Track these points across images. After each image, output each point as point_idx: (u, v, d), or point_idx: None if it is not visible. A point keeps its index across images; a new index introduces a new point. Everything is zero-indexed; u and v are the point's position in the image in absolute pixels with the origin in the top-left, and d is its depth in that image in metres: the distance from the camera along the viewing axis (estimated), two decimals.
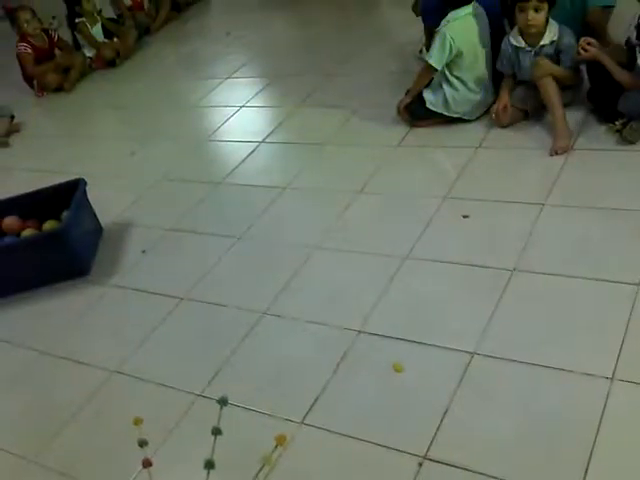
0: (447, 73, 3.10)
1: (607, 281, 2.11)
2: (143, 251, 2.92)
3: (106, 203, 3.21)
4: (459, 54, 3.03)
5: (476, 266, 2.31)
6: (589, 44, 2.71)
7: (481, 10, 3.08)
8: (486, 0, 3.13)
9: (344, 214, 2.79)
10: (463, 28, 3.03)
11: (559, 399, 1.78)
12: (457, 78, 3.09)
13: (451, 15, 3.03)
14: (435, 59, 3.05)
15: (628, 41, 2.72)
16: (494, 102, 3.08)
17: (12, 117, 4.50)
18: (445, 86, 3.13)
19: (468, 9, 3.03)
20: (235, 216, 3.00)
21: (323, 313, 2.29)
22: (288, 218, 2.91)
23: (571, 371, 1.83)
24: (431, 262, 2.39)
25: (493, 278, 2.23)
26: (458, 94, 3.11)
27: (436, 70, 3.09)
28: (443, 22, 3.05)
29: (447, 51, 3.01)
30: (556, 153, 2.76)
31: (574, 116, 2.93)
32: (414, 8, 3.76)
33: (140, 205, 3.28)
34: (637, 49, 2.63)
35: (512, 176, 2.77)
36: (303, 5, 5.41)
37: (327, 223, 2.75)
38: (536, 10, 2.79)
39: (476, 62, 3.09)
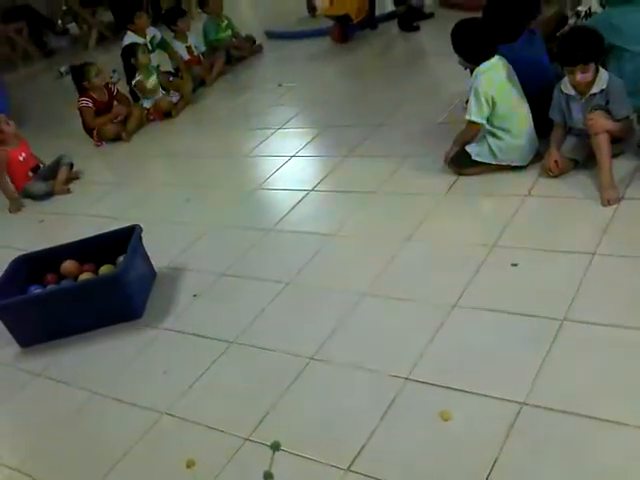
0: (487, 125, 3.14)
1: None
2: (194, 295, 2.98)
3: (161, 248, 3.30)
4: (495, 104, 3.07)
5: (525, 315, 2.29)
6: None
7: (504, 60, 3.13)
8: (533, 53, 3.18)
9: (392, 261, 2.81)
10: (492, 79, 3.08)
11: (613, 454, 1.73)
12: (498, 128, 3.12)
13: (478, 70, 3.10)
14: (475, 115, 3.11)
15: None
16: (541, 148, 3.09)
17: (71, 165, 4.71)
18: (488, 137, 3.17)
19: (493, 61, 3.09)
20: (285, 262, 3.04)
21: (371, 360, 2.29)
22: (337, 264, 2.94)
23: (626, 424, 1.79)
24: (480, 310, 2.38)
25: (542, 327, 2.21)
26: (503, 143, 3.14)
27: (479, 125, 3.14)
28: (472, 79, 3.12)
29: (484, 104, 3.07)
30: (608, 203, 2.74)
31: (626, 165, 2.92)
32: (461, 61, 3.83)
33: (193, 250, 3.37)
34: None
35: (561, 225, 2.76)
36: (352, 57, 5.55)
37: (375, 270, 2.77)
38: (582, 71, 2.82)
39: (513, 109, 3.11)
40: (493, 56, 3.11)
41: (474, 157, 3.20)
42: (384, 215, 3.20)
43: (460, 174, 3.28)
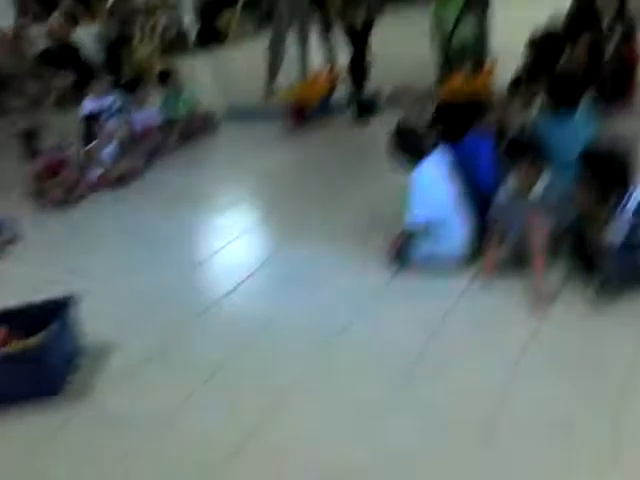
0: (426, 223, 3.23)
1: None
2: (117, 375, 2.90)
3: (93, 320, 3.21)
4: (431, 202, 3.18)
5: (452, 419, 2.31)
6: None
7: (443, 159, 3.27)
8: (476, 154, 3.32)
9: (324, 354, 2.81)
10: (428, 178, 3.20)
11: None
12: (436, 225, 3.21)
13: (414, 173, 3.22)
14: (413, 213, 3.22)
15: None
16: (481, 247, 3.18)
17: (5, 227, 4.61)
18: (427, 234, 3.26)
19: (430, 160, 3.23)
20: (216, 346, 3.01)
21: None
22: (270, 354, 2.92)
23: None
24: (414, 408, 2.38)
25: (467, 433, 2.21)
26: (441, 240, 3.22)
27: (419, 223, 3.23)
28: (409, 179, 3.24)
29: (421, 202, 3.17)
30: (537, 311, 2.82)
31: (556, 275, 3.02)
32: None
33: (125, 326, 3.30)
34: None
35: (490, 330, 2.83)
36: (304, 141, 5.69)
37: (306, 363, 2.77)
38: (526, 169, 2.96)
39: (450, 207, 3.22)
40: (423, 160, 3.23)
41: (415, 253, 3.27)
42: (319, 305, 3.22)
43: (400, 269, 3.33)
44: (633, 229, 2.70)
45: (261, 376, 2.78)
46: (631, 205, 2.70)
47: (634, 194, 2.72)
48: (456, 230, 3.21)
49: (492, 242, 3.15)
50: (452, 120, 3.52)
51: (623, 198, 2.71)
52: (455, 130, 3.45)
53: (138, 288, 3.69)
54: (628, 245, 2.72)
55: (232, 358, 2.91)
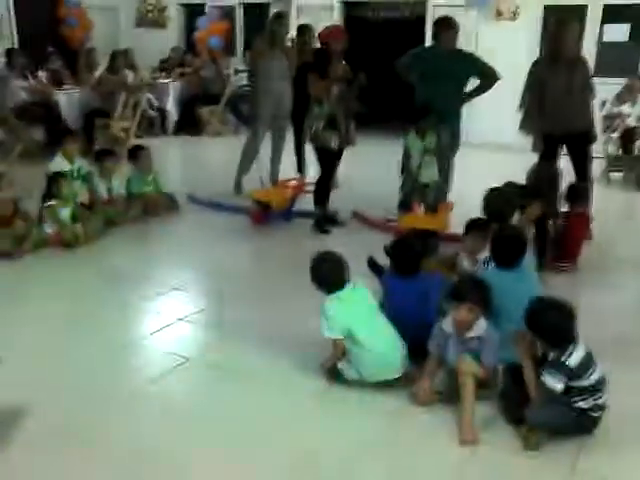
0: (348, 343, 3.27)
1: None
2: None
3: (6, 387, 3.09)
4: (351, 330, 3.23)
5: None
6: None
7: (361, 291, 3.35)
8: (420, 290, 3.47)
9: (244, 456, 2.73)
10: (343, 308, 3.26)
11: None
12: (359, 348, 3.24)
13: (332, 295, 3.31)
14: (328, 331, 3.27)
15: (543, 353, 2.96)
16: (412, 370, 3.24)
17: None
18: (352, 355, 3.29)
19: (344, 292, 3.31)
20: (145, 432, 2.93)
21: None
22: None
23: None
24: None
25: None
26: (365, 362, 3.25)
27: (339, 340, 3.27)
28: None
29: (335, 324, 3.23)
30: (465, 443, 2.85)
31: (486, 410, 3.08)
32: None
33: (41, 396, 3.17)
34: (543, 368, 2.85)
35: (418, 457, 2.83)
36: (262, 240, 5.79)
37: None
38: (469, 310, 3.07)
39: (374, 333, 3.26)
40: (342, 289, 3.31)
41: (344, 374, 3.32)
42: (246, 406, 3.19)
43: (335, 381, 3.35)
44: (570, 383, 2.79)
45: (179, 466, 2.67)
46: (570, 360, 2.78)
47: (574, 351, 2.81)
48: (379, 350, 3.24)
49: (426, 373, 3.20)
50: (406, 253, 3.66)
51: (563, 353, 2.80)
52: (407, 263, 3.60)
53: (62, 361, 3.59)
54: (559, 396, 2.80)
55: (151, 445, 2.80)
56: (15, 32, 11.81)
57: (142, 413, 3.13)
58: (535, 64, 5.74)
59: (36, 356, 3.61)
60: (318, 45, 6.07)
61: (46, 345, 3.75)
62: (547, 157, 5.57)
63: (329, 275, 3.35)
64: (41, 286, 4.69)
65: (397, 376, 3.29)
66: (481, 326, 3.13)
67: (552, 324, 2.82)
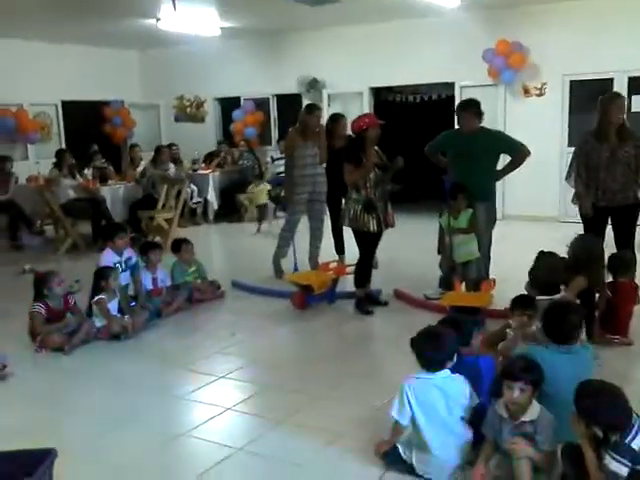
0: (409, 431, 3.21)
1: None
2: None
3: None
4: (414, 419, 3.15)
5: None
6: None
7: (445, 382, 3.20)
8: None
9: None
10: (424, 389, 3.17)
11: None
12: (418, 439, 3.17)
13: (418, 373, 3.24)
14: (396, 413, 3.19)
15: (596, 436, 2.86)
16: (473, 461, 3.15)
17: (4, 366, 4.60)
18: (412, 443, 3.22)
19: (437, 376, 3.20)
20: None
21: None
22: None
23: None
24: None
25: None
26: (420, 455, 3.18)
27: (403, 425, 3.21)
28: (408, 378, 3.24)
29: (406, 405, 3.15)
30: None
31: None
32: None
33: None
34: (605, 451, 2.74)
35: None
36: (307, 324, 5.79)
37: None
38: (521, 390, 3.02)
39: (433, 429, 3.15)
40: (441, 369, 3.20)
41: (403, 455, 3.24)
42: None
43: (390, 467, 3.28)
44: (635, 467, 2.68)
45: None
46: (635, 442, 2.68)
47: (638, 433, 2.70)
48: (436, 448, 3.15)
49: (481, 458, 3.13)
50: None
51: (625, 435, 2.70)
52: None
53: (113, 453, 3.61)
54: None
55: None
56: (63, 132, 12.53)
57: None
58: (584, 136, 5.80)
59: (85, 451, 3.62)
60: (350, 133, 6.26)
61: (95, 439, 3.76)
62: (592, 228, 5.56)
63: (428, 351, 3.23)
64: (91, 380, 4.76)
65: (459, 467, 3.18)
66: (535, 409, 3.06)
67: (604, 411, 2.71)
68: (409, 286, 6.40)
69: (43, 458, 2.89)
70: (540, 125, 9.98)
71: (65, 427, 3.92)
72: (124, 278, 5.97)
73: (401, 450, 3.26)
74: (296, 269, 6.95)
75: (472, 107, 5.88)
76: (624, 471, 2.68)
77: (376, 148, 5.77)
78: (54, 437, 3.46)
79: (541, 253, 4.57)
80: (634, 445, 2.68)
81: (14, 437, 3.55)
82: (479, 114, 5.85)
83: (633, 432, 2.70)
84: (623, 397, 2.77)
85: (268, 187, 10.74)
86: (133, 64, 13.77)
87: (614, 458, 2.69)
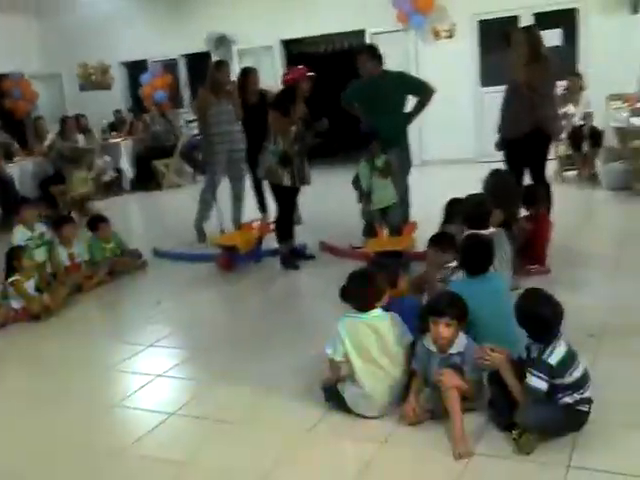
0: (343, 371, 3.27)
1: None
2: None
3: None
4: (348, 357, 3.21)
5: None
6: (492, 350, 2.96)
7: (391, 322, 3.28)
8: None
9: None
10: (355, 330, 3.22)
11: None
12: (352, 378, 3.23)
13: (350, 312, 3.29)
14: (330, 349, 3.26)
15: (520, 358, 2.99)
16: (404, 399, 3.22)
17: None
18: (348, 382, 3.27)
19: (368, 314, 3.25)
20: None
21: None
22: None
23: None
24: None
25: None
26: (356, 392, 3.23)
27: (336, 361, 3.26)
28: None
29: (338, 344, 3.21)
30: (460, 457, 2.84)
31: (476, 421, 3.07)
32: None
33: (27, 463, 3.09)
34: (526, 369, 2.87)
35: (414, 476, 2.80)
36: (233, 285, 5.74)
37: None
38: (447, 325, 3.09)
39: (366, 366, 3.22)
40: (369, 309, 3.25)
41: (343, 393, 3.27)
42: (239, 451, 3.12)
43: (332, 406, 3.32)
44: (552, 381, 2.80)
45: None
46: (552, 358, 2.80)
47: (555, 348, 2.83)
48: (370, 386, 3.21)
49: (412, 392, 3.19)
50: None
51: (545, 350, 2.82)
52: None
53: (43, 425, 3.51)
54: (547, 396, 2.81)
55: None
56: None
57: (130, 470, 3.04)
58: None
59: (12, 435, 3.51)
60: (262, 87, 6.14)
61: (24, 418, 3.64)
62: (509, 164, 5.63)
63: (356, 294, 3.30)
64: (16, 363, 4.59)
65: (382, 413, 3.24)
66: (462, 341, 3.14)
67: (545, 317, 2.84)
68: (334, 238, 6.41)
69: None
70: (452, 67, 10.06)
71: None
72: (39, 254, 5.72)
73: (341, 389, 3.29)
74: (222, 231, 6.83)
75: (365, 51, 5.85)
76: (544, 386, 2.80)
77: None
78: None
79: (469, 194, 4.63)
80: (551, 361, 2.80)
81: None
82: (374, 57, 5.76)
83: (549, 349, 2.83)
84: (561, 308, 2.88)
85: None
86: (30, 32, 13.02)
87: (533, 374, 2.81)
